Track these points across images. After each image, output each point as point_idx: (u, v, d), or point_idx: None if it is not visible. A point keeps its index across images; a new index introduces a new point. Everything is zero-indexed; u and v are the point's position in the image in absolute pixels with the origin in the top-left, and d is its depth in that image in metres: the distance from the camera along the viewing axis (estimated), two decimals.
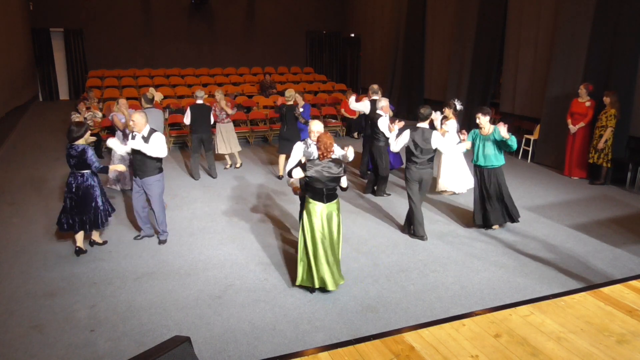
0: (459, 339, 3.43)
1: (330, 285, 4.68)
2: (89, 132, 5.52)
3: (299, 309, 4.56)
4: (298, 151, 5.40)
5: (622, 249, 5.91)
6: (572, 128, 8.62)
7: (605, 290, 4.16)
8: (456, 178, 7.72)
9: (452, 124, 7.54)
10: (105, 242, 5.89)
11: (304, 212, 4.78)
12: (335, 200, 4.75)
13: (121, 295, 4.79)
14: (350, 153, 5.18)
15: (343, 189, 4.83)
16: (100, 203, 5.50)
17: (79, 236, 5.58)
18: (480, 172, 6.22)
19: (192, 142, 8.48)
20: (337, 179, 4.67)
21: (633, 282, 4.30)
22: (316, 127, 5.25)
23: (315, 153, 5.26)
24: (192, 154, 8.55)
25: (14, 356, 3.88)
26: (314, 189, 4.66)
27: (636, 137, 8.43)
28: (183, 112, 11.53)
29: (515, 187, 8.30)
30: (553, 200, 7.68)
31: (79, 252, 5.59)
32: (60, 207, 5.58)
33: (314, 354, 3.28)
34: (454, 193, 7.82)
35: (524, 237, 6.25)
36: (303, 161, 5.05)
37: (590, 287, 4.41)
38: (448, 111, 7.64)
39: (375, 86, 8.58)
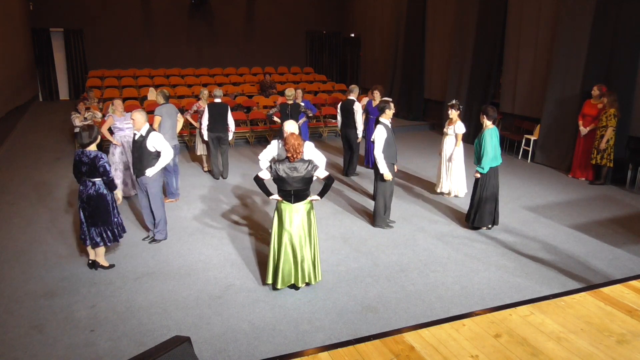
0: (459, 339, 3.43)
1: (279, 284, 4.72)
2: (100, 136, 5.20)
3: (299, 309, 4.56)
4: (272, 149, 5.33)
5: (622, 249, 5.92)
6: (583, 130, 8.55)
7: (605, 290, 4.16)
8: (463, 182, 7.73)
9: (461, 126, 7.48)
10: (112, 266, 5.36)
11: (274, 211, 4.83)
12: (304, 201, 4.70)
13: (121, 295, 4.79)
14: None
15: (325, 179, 4.68)
16: (115, 214, 5.19)
17: (92, 249, 5.25)
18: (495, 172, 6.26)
19: (209, 141, 8.46)
20: (305, 179, 4.60)
21: (633, 282, 4.30)
22: (288, 127, 5.14)
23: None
24: (211, 153, 8.59)
25: (14, 356, 3.88)
26: (281, 189, 4.66)
27: (636, 137, 8.44)
28: (183, 112, 11.55)
29: (516, 187, 8.31)
30: (553, 200, 7.68)
31: (92, 265, 5.29)
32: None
33: (314, 354, 3.28)
34: (456, 196, 7.79)
35: (524, 238, 6.25)
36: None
37: (590, 287, 4.41)
38: (454, 113, 7.53)
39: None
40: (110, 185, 5.07)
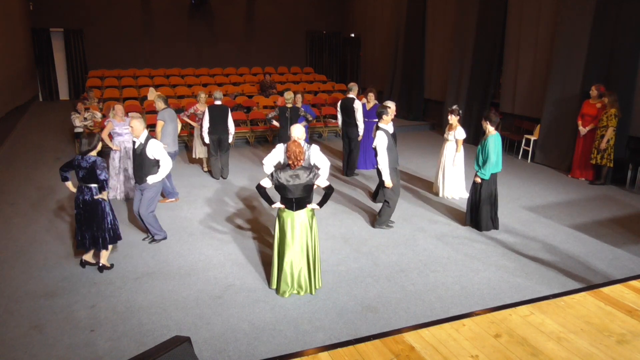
0: (459, 339, 3.43)
1: (285, 294, 4.75)
2: (101, 142, 5.22)
3: (299, 309, 4.56)
4: (277, 154, 5.30)
5: (622, 249, 5.92)
6: (583, 130, 8.56)
7: (605, 290, 4.16)
8: (463, 185, 7.75)
9: (461, 132, 7.46)
10: (112, 266, 5.37)
11: (276, 218, 4.83)
12: (305, 208, 4.69)
13: (121, 295, 4.79)
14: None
15: (325, 188, 4.74)
16: (110, 220, 5.20)
17: (89, 254, 5.32)
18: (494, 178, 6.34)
19: (209, 143, 8.44)
20: (307, 187, 4.59)
21: (633, 282, 4.30)
22: (295, 132, 5.10)
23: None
24: (211, 155, 8.57)
25: (14, 356, 3.88)
26: (283, 196, 4.65)
27: (636, 137, 8.44)
28: (179, 113, 11.54)
29: (516, 187, 8.31)
30: (553, 200, 7.68)
31: (85, 263, 5.32)
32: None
33: (314, 354, 3.28)
34: (461, 198, 7.76)
35: (524, 238, 6.25)
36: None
37: (590, 287, 4.42)
38: (454, 119, 7.49)
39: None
40: (101, 186, 5.06)
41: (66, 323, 4.32)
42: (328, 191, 4.71)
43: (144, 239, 6.05)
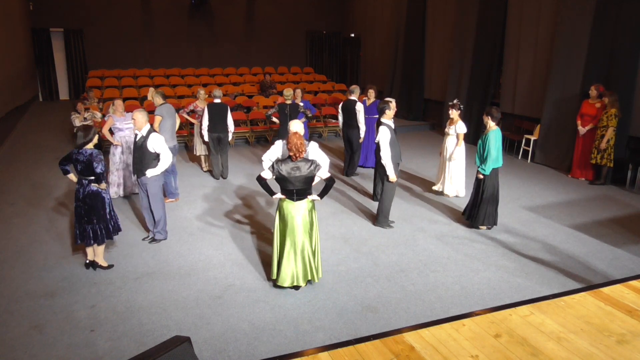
0: (459, 339, 3.43)
1: (285, 282, 4.75)
2: (97, 135, 5.19)
3: (299, 309, 4.56)
4: (276, 150, 5.32)
5: (622, 249, 5.92)
6: (582, 130, 8.57)
7: (605, 290, 4.16)
8: (463, 181, 7.75)
9: (462, 126, 7.47)
10: (111, 266, 5.34)
11: (276, 210, 4.86)
12: (306, 199, 4.72)
13: (121, 295, 4.79)
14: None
15: (326, 179, 4.76)
16: (109, 210, 5.21)
17: (90, 250, 5.24)
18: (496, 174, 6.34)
19: (209, 141, 8.42)
20: (308, 179, 4.62)
21: (633, 282, 4.30)
22: (294, 126, 5.11)
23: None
24: (212, 154, 8.57)
25: (14, 356, 3.88)
26: (284, 188, 4.68)
27: (636, 137, 8.44)
28: (179, 111, 11.52)
29: (516, 187, 8.31)
30: (553, 200, 7.68)
31: (90, 265, 5.28)
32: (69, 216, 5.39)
33: (314, 354, 3.28)
34: (457, 196, 7.78)
35: (524, 238, 6.25)
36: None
37: (590, 287, 4.42)
38: (455, 113, 7.52)
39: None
40: (98, 178, 5.05)
41: (66, 323, 4.32)
42: (329, 182, 4.74)
43: (144, 239, 6.05)
